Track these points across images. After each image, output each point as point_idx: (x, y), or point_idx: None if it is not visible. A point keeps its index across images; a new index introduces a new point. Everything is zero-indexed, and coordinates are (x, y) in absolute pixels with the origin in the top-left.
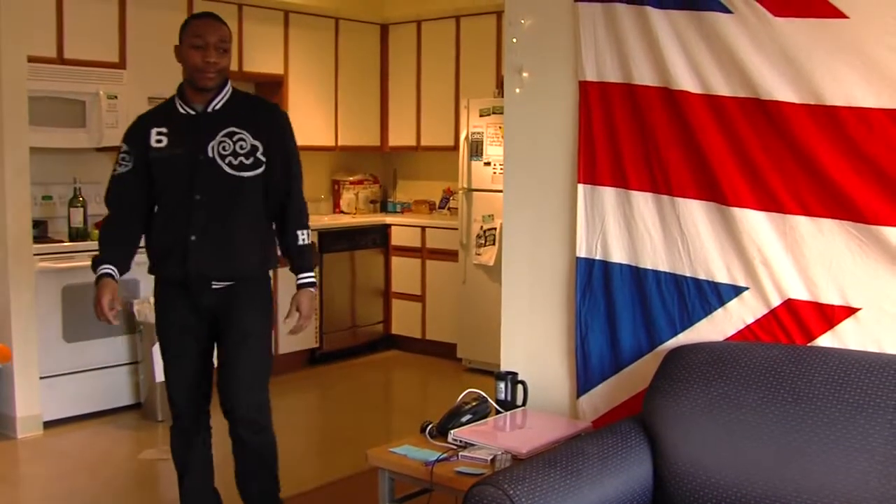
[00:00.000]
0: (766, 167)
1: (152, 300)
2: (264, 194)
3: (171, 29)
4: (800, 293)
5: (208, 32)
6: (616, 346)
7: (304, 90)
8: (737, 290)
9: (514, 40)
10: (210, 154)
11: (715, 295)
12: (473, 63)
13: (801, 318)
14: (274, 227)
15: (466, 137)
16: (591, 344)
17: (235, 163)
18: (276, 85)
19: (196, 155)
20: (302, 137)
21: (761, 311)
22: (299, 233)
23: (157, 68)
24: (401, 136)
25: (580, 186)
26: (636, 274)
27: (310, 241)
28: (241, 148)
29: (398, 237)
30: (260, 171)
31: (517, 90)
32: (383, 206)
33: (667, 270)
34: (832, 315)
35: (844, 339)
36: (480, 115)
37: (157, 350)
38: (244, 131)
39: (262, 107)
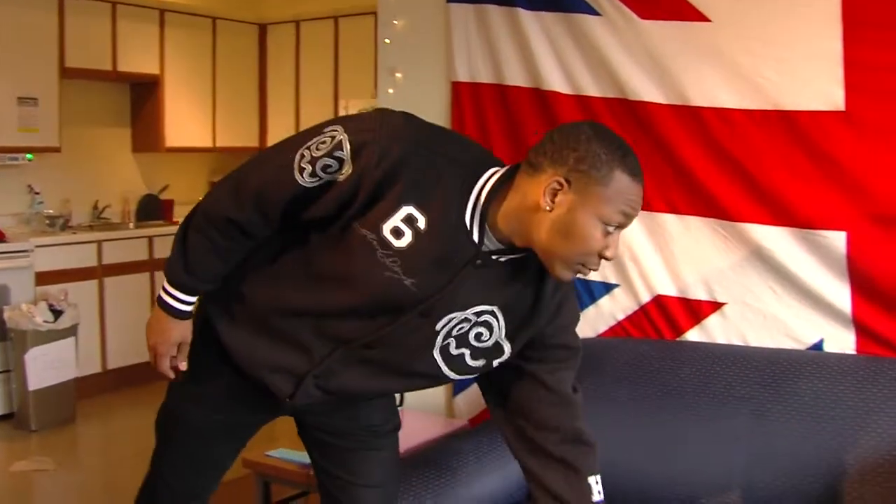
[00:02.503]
0: None
1: (27, 307)
2: None
3: (35, 29)
4: (668, 289)
5: (637, 206)
6: None
7: (181, 91)
8: (608, 287)
9: (387, 41)
10: (438, 327)
11: (587, 292)
12: (352, 64)
13: (670, 314)
14: None
15: None
16: None
17: (455, 353)
18: (151, 85)
19: (423, 313)
20: (179, 139)
21: (632, 308)
22: None
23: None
24: (280, 136)
25: None
26: None
27: None
28: (480, 340)
29: None
30: (461, 377)
31: (390, 91)
32: None
33: None
34: (699, 310)
35: (711, 333)
36: None
37: (30, 357)
38: (502, 318)
39: (558, 298)
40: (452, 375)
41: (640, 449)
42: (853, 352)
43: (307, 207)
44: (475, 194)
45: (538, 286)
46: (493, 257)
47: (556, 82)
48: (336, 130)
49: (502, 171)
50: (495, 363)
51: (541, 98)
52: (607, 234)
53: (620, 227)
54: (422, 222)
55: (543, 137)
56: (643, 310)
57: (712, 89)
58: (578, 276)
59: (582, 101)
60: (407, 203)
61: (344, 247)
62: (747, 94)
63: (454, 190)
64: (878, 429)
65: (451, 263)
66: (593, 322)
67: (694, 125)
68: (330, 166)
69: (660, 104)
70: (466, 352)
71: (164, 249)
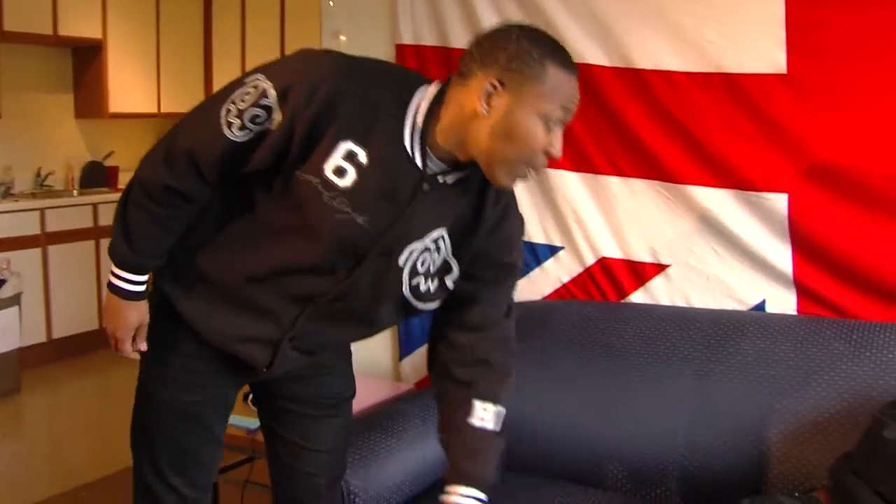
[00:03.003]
0: (579, 129)
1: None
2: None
3: None
4: (613, 252)
5: (576, 100)
6: None
7: (124, 56)
8: (552, 250)
9: (331, 3)
10: (401, 262)
11: (531, 255)
12: (298, 28)
13: (615, 276)
14: None
15: None
16: None
17: (423, 288)
18: (93, 50)
19: (376, 244)
20: (123, 104)
21: (576, 270)
22: None
23: None
24: None
25: None
26: None
27: None
28: (434, 264)
29: None
30: (432, 305)
31: None
32: None
33: None
34: (643, 272)
35: (655, 295)
36: None
37: None
38: (448, 239)
39: (502, 204)
40: (421, 306)
41: (584, 410)
42: (794, 312)
43: (244, 162)
44: (411, 118)
45: (479, 199)
46: (439, 179)
47: None
48: (258, 79)
49: (433, 88)
50: (448, 282)
51: None
52: (549, 130)
53: (562, 122)
54: (363, 156)
55: (471, 44)
56: (588, 272)
57: (656, 52)
58: (522, 180)
59: None
60: (344, 139)
61: (291, 199)
62: (691, 57)
63: (389, 117)
64: (817, 387)
65: (399, 194)
66: (538, 284)
67: (638, 87)
68: (258, 116)
69: (604, 66)
70: (421, 279)
71: (109, 217)
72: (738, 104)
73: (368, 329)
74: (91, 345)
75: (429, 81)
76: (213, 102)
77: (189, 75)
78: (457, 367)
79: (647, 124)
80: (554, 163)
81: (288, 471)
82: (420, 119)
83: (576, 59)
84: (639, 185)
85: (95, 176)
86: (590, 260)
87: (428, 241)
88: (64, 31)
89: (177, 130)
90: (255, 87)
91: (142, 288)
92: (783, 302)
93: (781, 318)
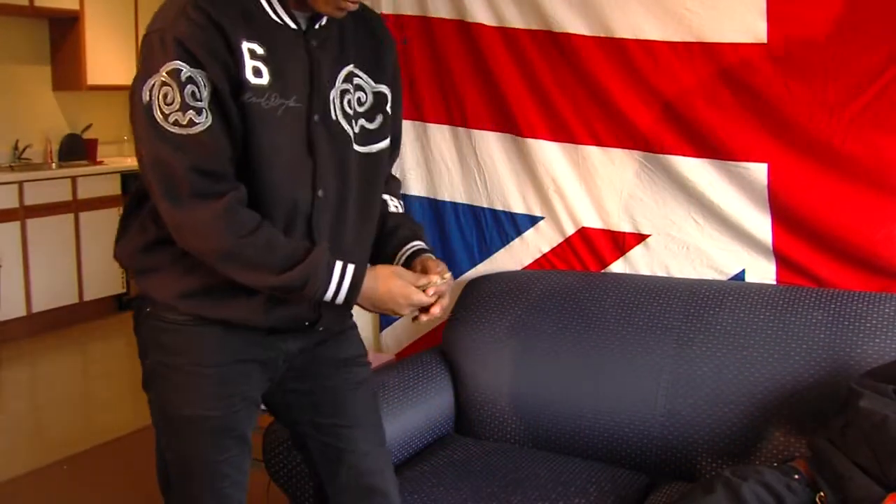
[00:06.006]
0: (559, 99)
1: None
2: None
3: None
4: (593, 221)
5: None
6: None
7: (102, 27)
8: (533, 220)
9: None
10: (333, 114)
11: (512, 225)
12: None
13: (595, 246)
14: None
15: None
16: None
17: (363, 128)
18: (71, 21)
19: (312, 112)
20: (102, 76)
21: (556, 240)
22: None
23: None
24: None
25: None
26: (434, 206)
27: None
28: (361, 102)
29: None
30: (387, 142)
31: None
32: None
33: (464, 202)
34: (623, 242)
35: (635, 265)
36: None
37: None
38: (361, 72)
39: (374, 22)
40: (375, 149)
41: (564, 380)
42: (773, 282)
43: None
44: None
45: (365, 25)
46: (316, 29)
47: (480, 14)
48: (156, 76)
49: None
50: (388, 109)
51: (466, 30)
52: None
53: None
54: (258, 48)
55: None
56: (568, 242)
57: (636, 21)
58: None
59: (506, 33)
60: (240, 40)
61: (251, 131)
62: (671, 26)
63: (249, 4)
64: (796, 356)
65: (299, 60)
66: (518, 254)
67: (618, 57)
68: (195, 92)
69: (584, 36)
70: (363, 121)
71: (87, 189)
72: (719, 74)
73: (367, 211)
74: (71, 318)
75: None
76: (153, 129)
77: None
78: None
79: (627, 94)
80: (533, 132)
81: (333, 461)
82: None
83: (556, 29)
84: (619, 154)
85: (74, 149)
86: (570, 230)
87: (340, 84)
88: (40, 2)
89: (159, 179)
90: (163, 81)
91: (350, 266)
92: (763, 271)
93: (761, 288)
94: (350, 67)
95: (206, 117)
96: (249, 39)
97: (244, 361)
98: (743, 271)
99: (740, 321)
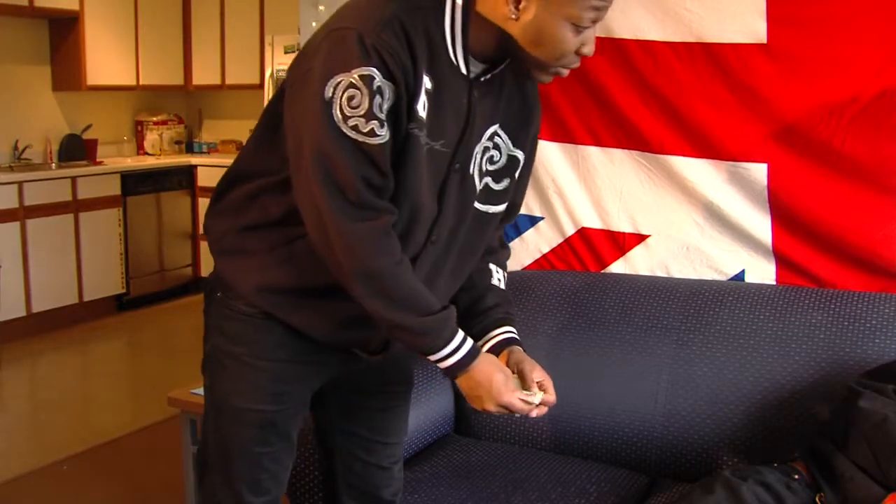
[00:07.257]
0: (558, 99)
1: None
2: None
3: None
4: (593, 222)
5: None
6: None
7: (102, 27)
8: (532, 221)
9: None
10: (472, 167)
11: (511, 225)
12: None
13: (595, 246)
14: None
15: (272, 75)
16: None
17: (487, 186)
18: (70, 22)
19: (454, 161)
20: (102, 77)
21: (556, 241)
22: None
23: None
24: (205, 74)
25: None
26: None
27: None
28: (494, 161)
29: (204, 178)
30: (504, 206)
31: (314, 24)
32: (189, 146)
33: None
34: (623, 242)
35: (635, 265)
36: (285, 52)
37: None
38: (504, 132)
39: (531, 86)
40: (492, 209)
41: (564, 380)
42: (773, 282)
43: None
44: (448, 30)
45: (522, 86)
46: (482, 80)
47: None
48: (345, 74)
49: None
50: (516, 175)
51: None
52: (580, 31)
53: (594, 21)
54: (429, 83)
55: None
56: (568, 242)
57: (636, 21)
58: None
59: None
60: (422, 69)
61: (402, 161)
62: (671, 27)
63: (435, 36)
64: (796, 357)
65: (459, 107)
66: (518, 255)
67: (618, 57)
68: (381, 104)
69: None
70: (489, 179)
71: (87, 190)
72: (719, 74)
73: (461, 267)
74: (71, 319)
75: None
76: (328, 125)
77: (168, 47)
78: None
79: (628, 94)
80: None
81: (353, 469)
82: (458, 29)
83: None
84: (619, 155)
85: (74, 149)
86: (570, 230)
87: (485, 140)
88: (40, 2)
89: (324, 172)
90: (351, 83)
91: (467, 343)
92: (762, 272)
93: (760, 288)
94: (496, 127)
95: (386, 132)
96: (427, 72)
97: (301, 363)
98: (743, 271)
99: (740, 321)
